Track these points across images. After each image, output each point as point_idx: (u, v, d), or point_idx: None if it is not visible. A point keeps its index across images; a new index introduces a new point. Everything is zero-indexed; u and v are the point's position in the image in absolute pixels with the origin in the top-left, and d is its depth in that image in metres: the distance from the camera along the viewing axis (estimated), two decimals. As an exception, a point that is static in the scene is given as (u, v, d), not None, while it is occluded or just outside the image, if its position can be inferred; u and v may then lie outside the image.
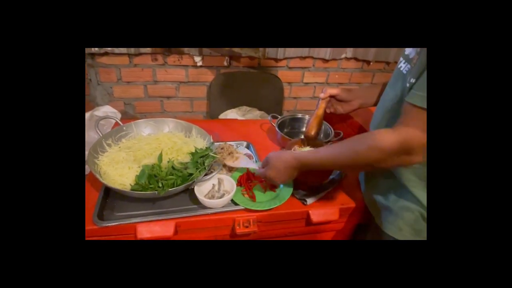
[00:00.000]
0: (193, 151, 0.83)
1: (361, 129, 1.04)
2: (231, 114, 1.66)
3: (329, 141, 0.98)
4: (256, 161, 0.95)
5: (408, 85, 0.55)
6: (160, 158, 0.78)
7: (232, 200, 0.77)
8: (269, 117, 1.10)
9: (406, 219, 0.66)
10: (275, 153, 0.76)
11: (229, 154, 0.88)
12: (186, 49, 1.52)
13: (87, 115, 1.34)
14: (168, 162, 0.78)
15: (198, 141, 0.90)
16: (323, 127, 1.00)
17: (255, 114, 1.68)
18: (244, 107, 1.71)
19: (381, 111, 0.70)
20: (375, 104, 0.84)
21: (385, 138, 0.53)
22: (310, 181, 0.84)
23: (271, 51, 1.59)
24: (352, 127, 1.09)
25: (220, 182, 0.80)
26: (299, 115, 1.15)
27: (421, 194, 0.63)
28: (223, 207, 0.76)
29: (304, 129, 1.15)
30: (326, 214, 0.80)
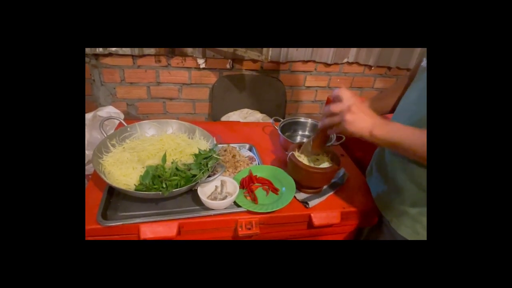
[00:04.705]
0: (197, 152, 0.83)
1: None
2: (233, 116, 1.67)
3: (330, 145, 0.99)
4: (258, 163, 0.95)
5: None
6: (164, 159, 0.79)
7: (234, 202, 0.78)
8: (271, 120, 1.11)
9: (424, 223, 0.67)
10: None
11: (233, 156, 0.89)
12: (189, 51, 1.53)
13: (90, 115, 1.35)
14: (172, 163, 0.79)
15: (201, 142, 0.91)
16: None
17: (256, 117, 1.69)
18: (246, 110, 1.72)
19: (403, 114, 0.69)
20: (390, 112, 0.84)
21: None
22: (313, 184, 0.85)
23: (273, 55, 1.61)
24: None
25: (223, 184, 0.81)
26: (302, 119, 1.15)
27: None
28: (225, 208, 0.76)
29: (307, 132, 1.16)
30: (328, 217, 0.81)
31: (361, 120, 0.59)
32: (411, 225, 0.69)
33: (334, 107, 0.62)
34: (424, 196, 0.65)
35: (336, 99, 0.63)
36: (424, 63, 0.66)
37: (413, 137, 0.56)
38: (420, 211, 0.67)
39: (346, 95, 0.62)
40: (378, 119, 0.60)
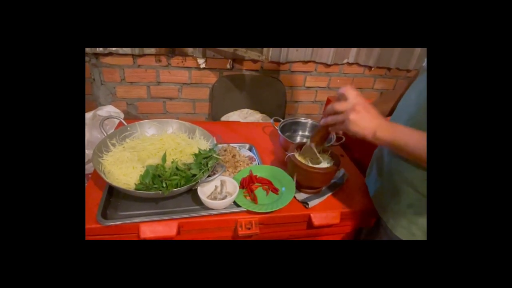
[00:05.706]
0: (197, 152, 0.83)
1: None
2: (233, 116, 1.67)
3: (330, 145, 0.99)
4: (258, 163, 0.96)
5: None
6: (164, 158, 0.79)
7: (234, 202, 0.78)
8: (271, 120, 1.11)
9: (420, 224, 0.67)
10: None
11: (233, 156, 0.89)
12: (189, 51, 1.53)
13: (90, 114, 1.35)
14: (172, 162, 0.79)
15: (201, 142, 0.91)
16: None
17: (256, 117, 1.69)
18: (246, 110, 1.72)
19: (402, 114, 0.70)
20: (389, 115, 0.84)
21: None
22: (312, 184, 0.85)
23: (274, 55, 1.61)
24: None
25: (222, 183, 0.81)
26: (302, 119, 1.15)
27: None
28: (225, 208, 0.76)
29: (307, 133, 1.16)
30: (328, 218, 0.81)
31: (365, 120, 0.58)
32: (407, 226, 0.69)
33: (339, 106, 0.60)
34: (420, 197, 0.65)
35: (341, 97, 0.61)
36: (425, 63, 0.66)
37: (417, 140, 0.55)
38: (416, 212, 0.67)
39: (351, 94, 0.60)
40: (382, 120, 0.59)
